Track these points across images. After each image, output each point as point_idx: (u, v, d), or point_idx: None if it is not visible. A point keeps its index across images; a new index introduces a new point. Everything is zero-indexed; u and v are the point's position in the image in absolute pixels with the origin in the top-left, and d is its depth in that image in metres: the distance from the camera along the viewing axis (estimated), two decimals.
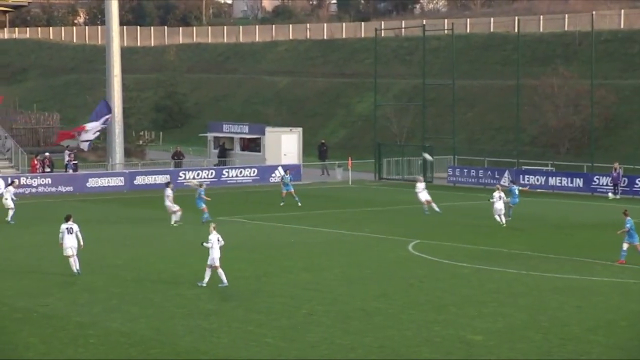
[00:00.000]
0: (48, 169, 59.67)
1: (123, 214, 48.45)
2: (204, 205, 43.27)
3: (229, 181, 62.21)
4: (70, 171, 60.51)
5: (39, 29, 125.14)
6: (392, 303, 26.81)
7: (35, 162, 59.82)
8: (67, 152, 62.48)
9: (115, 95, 65.21)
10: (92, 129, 60.52)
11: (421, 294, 28.19)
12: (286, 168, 58.89)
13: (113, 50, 65.18)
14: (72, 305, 26.38)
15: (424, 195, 46.75)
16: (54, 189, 57.47)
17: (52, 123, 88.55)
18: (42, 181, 57.69)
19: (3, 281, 29.80)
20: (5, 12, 64.99)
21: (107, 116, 61.34)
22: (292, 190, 51.17)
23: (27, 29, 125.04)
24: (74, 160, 61.80)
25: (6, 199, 44.71)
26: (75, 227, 30.89)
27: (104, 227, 42.99)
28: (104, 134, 66.46)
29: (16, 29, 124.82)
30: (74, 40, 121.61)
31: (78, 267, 30.64)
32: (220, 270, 28.61)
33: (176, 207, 42.93)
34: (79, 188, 58.40)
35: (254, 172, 63.59)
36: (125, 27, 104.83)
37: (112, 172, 62.48)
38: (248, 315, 25.22)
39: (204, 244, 28.75)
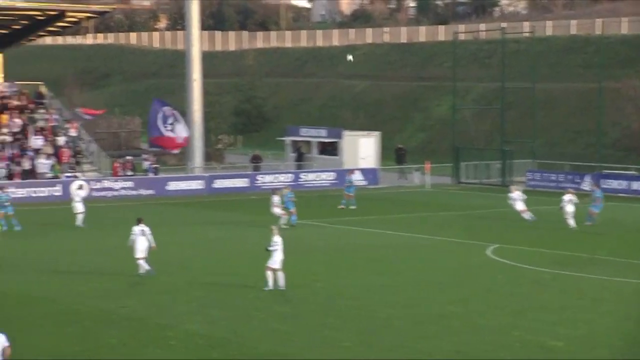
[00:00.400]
0: (129, 172, 60.48)
1: (202, 217, 48.85)
2: (293, 208, 43.53)
3: (306, 184, 62.34)
4: (151, 174, 61.27)
5: (122, 34, 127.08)
6: (469, 308, 26.58)
7: (117, 165, 60.69)
8: (145, 155, 63.24)
9: (195, 99, 65.87)
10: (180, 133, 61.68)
11: (500, 298, 27.90)
12: (350, 170, 58.93)
13: (193, 54, 65.83)
14: (152, 307, 26.68)
15: (519, 205, 45.69)
16: (135, 192, 58.21)
17: (133, 127, 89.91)
18: (124, 184, 58.48)
19: (85, 283, 30.26)
20: (89, 18, 66.04)
21: (163, 109, 62.28)
22: (351, 193, 51.17)
23: (111, 34, 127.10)
24: (154, 163, 62.52)
25: (77, 202, 44.88)
26: (147, 230, 31.21)
27: (183, 230, 43.43)
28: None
29: (100, 34, 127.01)
30: (156, 45, 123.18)
31: (148, 268, 30.98)
32: (280, 274, 28.62)
33: (282, 212, 43.07)
34: (160, 191, 59.05)
35: (331, 175, 63.68)
36: (205, 31, 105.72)
37: (191, 175, 63.08)
38: (324, 318, 25.22)
39: (268, 247, 28.74)
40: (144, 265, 31.05)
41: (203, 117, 66.87)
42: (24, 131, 61.34)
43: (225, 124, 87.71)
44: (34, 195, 55.69)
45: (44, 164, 58.65)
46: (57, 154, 60.14)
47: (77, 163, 60.62)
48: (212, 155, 75.39)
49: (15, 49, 75.02)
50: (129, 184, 58.69)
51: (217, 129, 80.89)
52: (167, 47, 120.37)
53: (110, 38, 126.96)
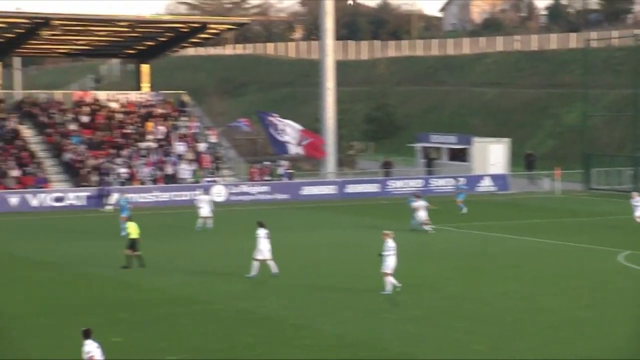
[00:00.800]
0: (266, 178, 61.30)
1: (334, 221, 49.11)
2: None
3: (436, 190, 61.98)
4: (286, 179, 61.95)
5: (259, 45, 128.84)
6: (601, 314, 25.99)
7: (254, 170, 61.53)
8: (281, 161, 63.98)
9: (329, 107, 66.34)
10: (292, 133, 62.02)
11: (633, 305, 27.17)
12: (457, 177, 58.51)
13: (327, 64, 66.31)
14: (287, 308, 26.95)
15: (638, 211, 44.60)
16: (270, 197, 58.96)
17: None
18: (261, 189, 59.30)
19: (224, 284, 30.77)
20: (229, 30, 67.29)
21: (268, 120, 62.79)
22: (461, 199, 50.97)
23: (249, 45, 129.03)
24: (288, 169, 63.19)
25: (200, 207, 45.10)
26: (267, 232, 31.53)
27: (316, 233, 43.76)
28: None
29: (239, 45, 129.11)
30: (291, 55, 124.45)
31: (275, 270, 31.31)
32: (390, 278, 28.43)
33: (427, 217, 42.95)
34: (294, 196, 59.66)
35: (461, 181, 63.15)
36: (339, 41, 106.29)
37: (324, 180, 63.53)
38: (455, 322, 25.04)
39: (382, 253, 28.56)
40: (271, 265, 31.35)
41: (336, 125, 67.24)
42: (167, 138, 62.87)
43: (357, 131, 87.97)
44: (176, 199, 56.99)
45: (185, 170, 59.99)
46: (198, 159, 61.43)
47: (217, 168, 61.78)
48: (344, 161, 75.70)
49: (160, 60, 76.96)
50: (265, 188, 59.49)
51: (349, 136, 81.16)
52: (302, 57, 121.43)
53: (249, 48, 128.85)
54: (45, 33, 59.52)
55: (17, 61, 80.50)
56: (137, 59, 69.57)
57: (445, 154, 69.85)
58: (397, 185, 61.77)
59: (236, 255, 37.00)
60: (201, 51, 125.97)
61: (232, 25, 71.30)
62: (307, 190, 60.43)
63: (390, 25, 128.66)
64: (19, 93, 68.34)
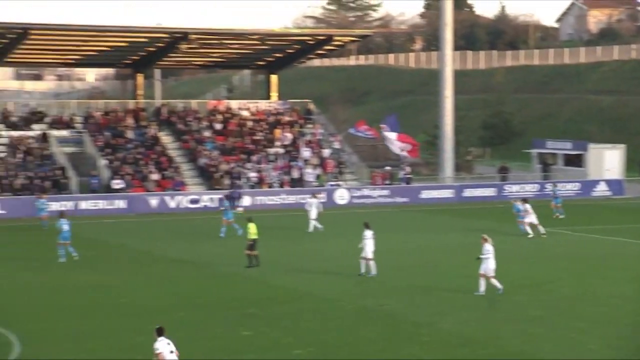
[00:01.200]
0: (387, 182, 61.26)
1: (452, 224, 48.72)
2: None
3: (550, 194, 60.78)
4: (403, 184, 61.82)
5: (381, 55, 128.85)
6: None
7: (375, 175, 61.53)
8: (403, 166, 63.83)
9: (447, 114, 65.95)
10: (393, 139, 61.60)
11: None
12: (554, 182, 57.28)
13: (446, 73, 65.90)
14: (408, 307, 26.88)
15: None
16: (390, 200, 58.89)
17: None
18: (381, 192, 59.29)
19: (346, 282, 30.83)
20: (353, 42, 67.60)
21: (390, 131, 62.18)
22: (558, 203, 49.97)
23: (371, 55, 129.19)
24: (408, 173, 63.02)
25: (309, 210, 45.34)
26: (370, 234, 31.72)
27: (434, 236, 43.50)
28: (436, 150, 67.18)
29: (361, 56, 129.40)
30: (411, 65, 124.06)
31: (374, 272, 31.37)
32: (494, 281, 27.97)
33: (533, 220, 42.40)
34: (413, 199, 59.44)
35: (576, 186, 61.99)
36: (457, 52, 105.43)
37: (443, 184, 63.11)
38: (571, 322, 24.54)
39: (480, 256, 28.14)
40: (372, 267, 31.40)
41: (453, 131, 66.74)
42: (294, 144, 63.47)
43: (474, 137, 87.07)
44: (301, 201, 57.43)
45: (310, 174, 60.47)
46: (322, 164, 61.82)
47: (340, 173, 62.05)
48: (461, 166, 75.01)
49: (287, 71, 77.77)
50: (386, 192, 59.45)
51: (466, 142, 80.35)
52: (422, 67, 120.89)
53: (371, 59, 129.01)
54: (183, 47, 60.88)
55: (157, 73, 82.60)
56: (267, 70, 70.46)
57: (561, 159, 68.58)
58: (513, 189, 60.89)
59: (356, 256, 37.09)
60: (326, 62, 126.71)
61: (356, 37, 71.55)
62: (426, 194, 60.12)
63: (507, 36, 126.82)
64: (158, 102, 70.07)
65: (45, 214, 46.66)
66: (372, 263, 31.63)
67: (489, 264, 28.10)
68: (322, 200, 51.24)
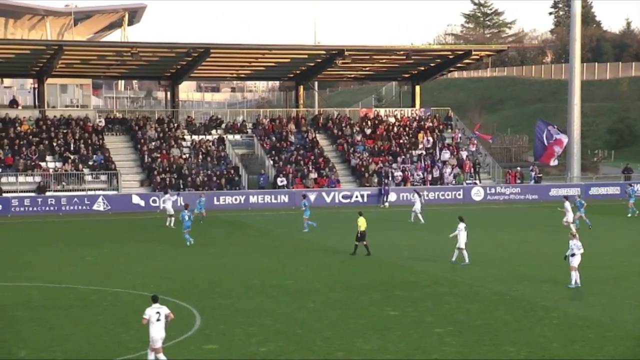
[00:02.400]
0: (518, 181, 60.05)
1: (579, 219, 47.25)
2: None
3: None
4: (532, 182, 60.47)
5: (515, 67, 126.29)
6: None
7: (508, 174, 60.38)
8: (532, 166, 62.42)
9: (575, 120, 64.18)
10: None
11: None
12: (629, 183, 54.52)
13: (574, 83, 64.10)
14: (537, 292, 26.31)
15: None
16: (521, 197, 57.68)
17: (521, 143, 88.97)
18: (513, 190, 58.16)
19: (484, 270, 30.46)
20: (489, 55, 66.54)
21: (548, 128, 60.49)
22: (632, 202, 48.28)
23: (505, 68, 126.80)
24: (538, 173, 61.59)
25: (414, 210, 45.11)
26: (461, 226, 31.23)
27: (565, 230, 42.32)
28: (565, 152, 65.39)
29: (496, 68, 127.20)
30: (542, 76, 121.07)
31: (467, 261, 30.93)
32: (574, 273, 26.67)
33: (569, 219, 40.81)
34: (543, 196, 58.06)
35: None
36: (584, 64, 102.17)
37: (569, 183, 61.32)
38: None
39: (567, 254, 26.73)
40: (464, 255, 31.08)
41: (580, 135, 64.78)
42: (434, 146, 62.99)
43: (600, 141, 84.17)
44: (441, 197, 57.09)
45: (449, 173, 59.87)
46: (460, 165, 61.11)
47: (476, 172, 61.19)
48: (587, 166, 72.77)
49: (430, 82, 77.25)
50: (517, 190, 58.25)
51: (592, 145, 77.82)
52: (552, 78, 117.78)
53: (505, 71, 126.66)
54: (339, 62, 61.38)
55: (315, 84, 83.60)
56: (412, 81, 70.19)
57: None
58: (637, 188, 58.45)
59: (488, 246, 36.57)
60: (464, 73, 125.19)
61: (492, 51, 70.35)
62: (555, 192, 58.58)
63: (632, 49, 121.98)
64: (317, 110, 70.90)
65: (204, 211, 45.30)
66: (464, 252, 31.25)
67: (576, 259, 26.61)
68: (477, 197, 52.07)
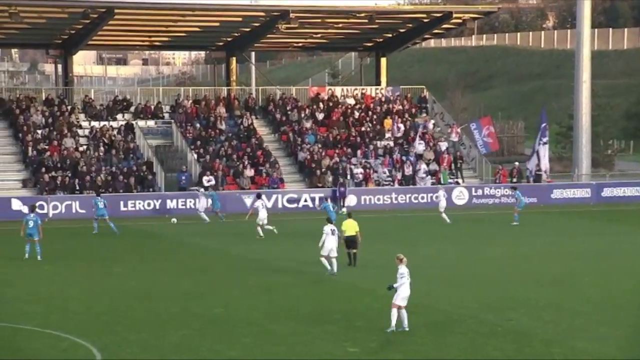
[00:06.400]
0: (514, 180, 60.65)
1: (589, 228, 47.97)
2: None
3: None
4: (532, 181, 61.13)
5: (507, 35, 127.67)
6: None
7: (505, 171, 60.74)
8: (530, 162, 63.19)
9: (584, 102, 64.90)
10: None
11: None
12: None
13: (583, 54, 64.86)
14: (537, 322, 26.57)
15: None
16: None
17: (516, 132, 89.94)
18: (505, 191, 58.58)
19: (470, 295, 30.69)
20: (474, 19, 67.02)
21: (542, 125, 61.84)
22: None
23: (494, 35, 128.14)
24: (538, 171, 62.16)
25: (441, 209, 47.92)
26: None
27: (565, 241, 42.91)
28: (570, 144, 66.27)
29: (483, 36, 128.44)
30: (542, 46, 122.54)
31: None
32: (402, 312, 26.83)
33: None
34: (543, 199, 58.75)
35: None
36: (596, 29, 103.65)
37: (577, 183, 62.22)
38: None
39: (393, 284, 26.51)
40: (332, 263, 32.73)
41: (591, 121, 65.66)
42: (406, 136, 63.38)
43: (615, 129, 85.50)
44: (414, 201, 57.47)
45: (424, 170, 60.24)
46: (438, 159, 61.55)
47: (458, 169, 61.70)
48: (600, 161, 73.87)
49: (398, 53, 77.71)
50: (510, 191, 58.75)
51: (605, 134, 79.05)
52: (554, 47, 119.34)
53: (494, 39, 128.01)
54: (282, 26, 61.41)
55: (252, 56, 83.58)
56: (376, 52, 70.58)
57: None
58: None
59: (473, 264, 36.90)
60: (442, 42, 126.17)
61: (478, 14, 71.06)
62: (558, 194, 59.42)
63: None
64: (253, 89, 70.88)
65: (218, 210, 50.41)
66: (334, 261, 33.28)
67: (401, 292, 25.07)
68: (460, 200, 53.48)
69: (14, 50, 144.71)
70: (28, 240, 37.63)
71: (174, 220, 49.68)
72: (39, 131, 58.18)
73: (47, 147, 56.86)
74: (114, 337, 24.78)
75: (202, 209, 50.53)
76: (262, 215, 43.66)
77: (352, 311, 27.95)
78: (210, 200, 50.69)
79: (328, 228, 33.64)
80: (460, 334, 25.13)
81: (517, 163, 63.53)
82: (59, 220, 51.56)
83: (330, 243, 33.45)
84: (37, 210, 40.22)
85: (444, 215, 48.67)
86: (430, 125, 64.92)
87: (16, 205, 51.22)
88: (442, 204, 49.30)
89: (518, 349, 23.68)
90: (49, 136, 57.91)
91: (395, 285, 24.97)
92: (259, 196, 45.87)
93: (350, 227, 34.87)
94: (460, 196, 58.02)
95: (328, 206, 42.91)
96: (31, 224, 37.32)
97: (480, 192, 58.71)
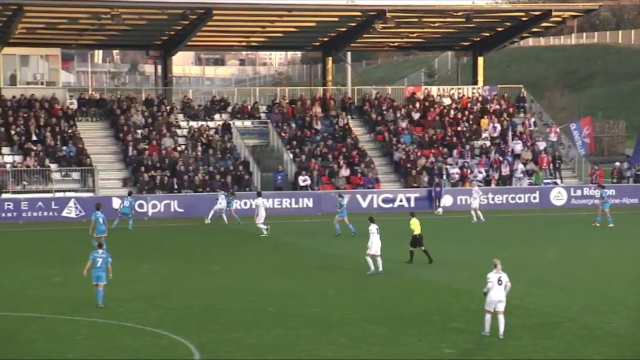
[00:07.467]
0: (614, 180, 59.61)
1: None
2: None
3: None
4: (631, 181, 60.08)
5: (608, 33, 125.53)
6: None
7: (597, 171, 59.78)
8: (627, 160, 62.14)
9: None
10: None
11: None
12: None
13: None
14: (638, 325, 26.12)
15: None
16: (617, 201, 57.07)
17: (617, 131, 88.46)
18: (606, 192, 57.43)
19: (569, 297, 30.28)
20: (574, 17, 66.06)
21: None
22: None
23: (595, 33, 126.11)
24: (639, 170, 61.02)
25: (471, 206, 50.06)
26: None
27: None
28: None
29: (584, 34, 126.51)
30: None
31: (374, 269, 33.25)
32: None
33: None
34: None
35: None
36: None
37: None
38: None
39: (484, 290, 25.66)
40: (377, 263, 33.18)
41: None
42: (503, 136, 62.79)
43: None
44: (511, 202, 56.92)
45: (522, 170, 59.61)
46: (535, 159, 60.85)
47: (557, 169, 60.93)
48: None
49: (496, 52, 77.00)
50: (611, 192, 57.75)
51: None
52: None
53: (595, 37, 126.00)
54: (378, 26, 61.34)
55: (348, 56, 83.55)
56: (473, 51, 70.00)
57: None
58: None
59: (574, 265, 36.39)
60: (540, 41, 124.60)
61: (578, 11, 70.03)
62: None
63: None
64: (349, 89, 70.95)
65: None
66: (369, 260, 33.59)
67: (489, 296, 24.53)
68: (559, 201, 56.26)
69: (115, 52, 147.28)
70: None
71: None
72: (139, 131, 59.07)
73: (146, 146, 57.70)
74: (211, 335, 25.05)
75: (219, 210, 49.96)
76: (262, 214, 44.48)
77: (448, 312, 27.81)
78: (224, 202, 49.95)
79: (374, 227, 33.90)
80: (558, 336, 24.82)
81: (617, 163, 62.47)
82: (158, 219, 52.32)
83: (377, 242, 33.68)
84: (101, 209, 39.43)
85: (473, 212, 49.65)
86: (530, 123, 64.12)
87: (117, 203, 52.00)
88: (475, 202, 50.15)
89: (619, 352, 23.30)
90: (149, 136, 58.77)
91: (484, 290, 24.72)
92: (259, 194, 46.72)
93: (417, 226, 35.91)
94: (559, 197, 57.35)
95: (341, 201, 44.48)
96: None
97: (579, 192, 57.90)
